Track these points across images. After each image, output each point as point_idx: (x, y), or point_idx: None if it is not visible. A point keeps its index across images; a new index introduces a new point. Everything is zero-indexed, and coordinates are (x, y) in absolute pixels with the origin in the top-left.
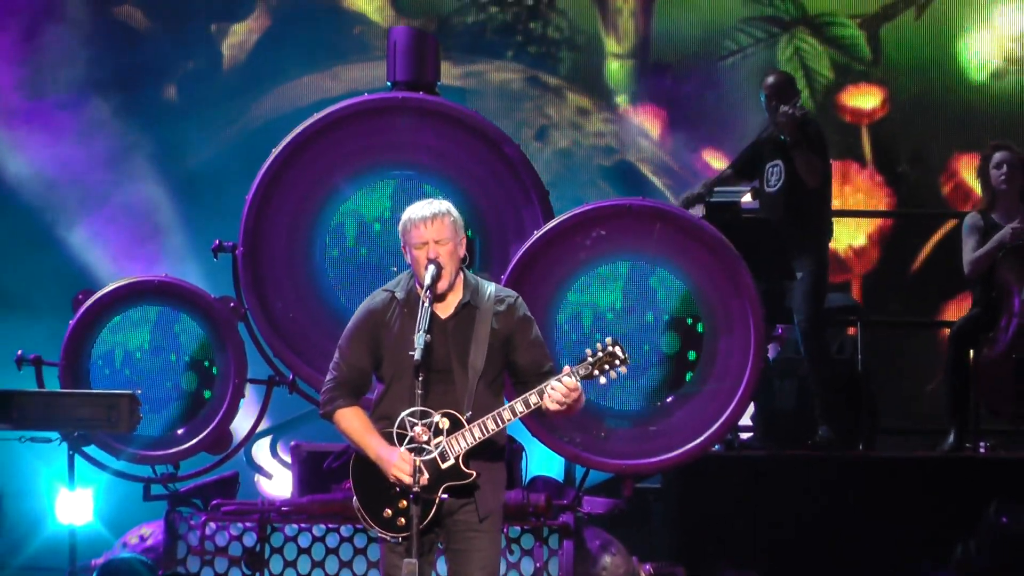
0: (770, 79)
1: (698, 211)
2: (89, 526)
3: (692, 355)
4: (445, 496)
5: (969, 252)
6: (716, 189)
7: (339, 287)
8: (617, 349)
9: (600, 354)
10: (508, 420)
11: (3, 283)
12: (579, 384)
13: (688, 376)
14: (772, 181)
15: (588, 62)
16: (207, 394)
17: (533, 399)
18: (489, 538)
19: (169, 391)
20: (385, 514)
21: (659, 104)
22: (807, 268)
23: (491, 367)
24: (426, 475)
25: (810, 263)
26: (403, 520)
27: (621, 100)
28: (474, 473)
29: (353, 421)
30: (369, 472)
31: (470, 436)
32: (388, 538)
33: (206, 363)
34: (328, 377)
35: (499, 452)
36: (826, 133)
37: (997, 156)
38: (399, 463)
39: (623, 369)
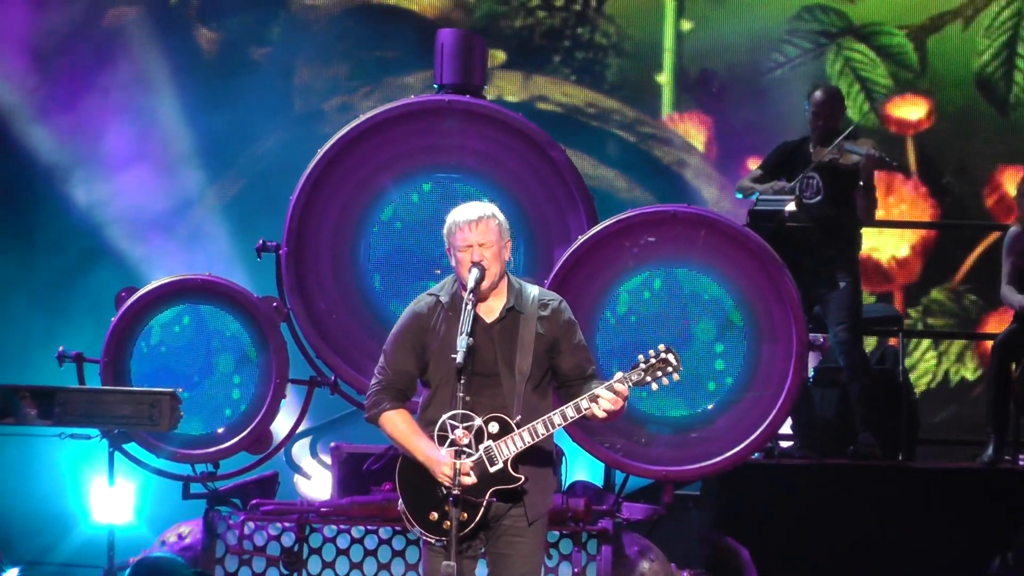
0: (818, 93)
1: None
2: (129, 525)
3: (720, 347)
4: (492, 499)
5: (1005, 275)
6: (761, 197)
7: (377, 270)
8: (670, 356)
9: (653, 360)
10: (558, 425)
11: (46, 280)
12: (628, 391)
13: (719, 364)
14: (808, 193)
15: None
16: (236, 379)
17: (584, 404)
18: (533, 544)
19: (205, 371)
20: (431, 517)
21: (706, 113)
22: (845, 279)
23: (537, 370)
24: (473, 477)
25: (847, 274)
26: (449, 523)
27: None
28: (522, 477)
29: (399, 424)
30: (416, 474)
31: (519, 440)
32: (433, 541)
33: (244, 341)
34: (373, 381)
35: (548, 456)
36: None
37: None
38: (448, 464)
39: (676, 376)
